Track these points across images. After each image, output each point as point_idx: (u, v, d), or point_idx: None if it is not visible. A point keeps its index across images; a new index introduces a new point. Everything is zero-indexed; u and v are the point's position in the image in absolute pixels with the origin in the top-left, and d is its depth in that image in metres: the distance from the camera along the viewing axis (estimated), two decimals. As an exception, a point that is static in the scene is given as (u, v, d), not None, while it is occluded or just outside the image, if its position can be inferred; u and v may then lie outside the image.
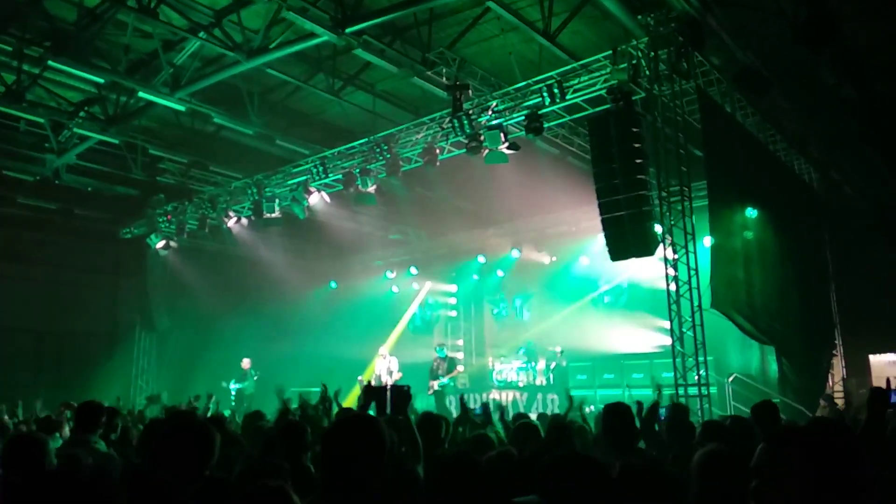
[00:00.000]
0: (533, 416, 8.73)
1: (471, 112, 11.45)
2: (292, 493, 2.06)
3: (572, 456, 2.70)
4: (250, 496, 2.08)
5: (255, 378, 15.35)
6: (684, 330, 9.57)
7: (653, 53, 9.89)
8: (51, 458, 3.54)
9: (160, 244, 16.64)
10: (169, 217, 16.27)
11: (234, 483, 3.02)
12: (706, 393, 9.50)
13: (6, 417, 8.57)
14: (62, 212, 16.64)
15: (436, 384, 14.67)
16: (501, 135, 11.24)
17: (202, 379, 15.39)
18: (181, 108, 11.79)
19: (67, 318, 17.08)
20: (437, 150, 12.34)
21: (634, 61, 9.96)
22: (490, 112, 11.46)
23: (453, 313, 20.99)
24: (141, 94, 11.34)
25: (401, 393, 3.56)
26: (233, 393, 15.08)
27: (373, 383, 15.52)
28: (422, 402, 13.06)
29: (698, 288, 9.65)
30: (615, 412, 4.48)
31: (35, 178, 14.66)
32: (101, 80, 11.44)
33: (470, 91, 11.19)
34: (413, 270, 20.33)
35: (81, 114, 12.37)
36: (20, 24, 10.39)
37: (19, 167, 14.29)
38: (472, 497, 2.87)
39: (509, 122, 11.44)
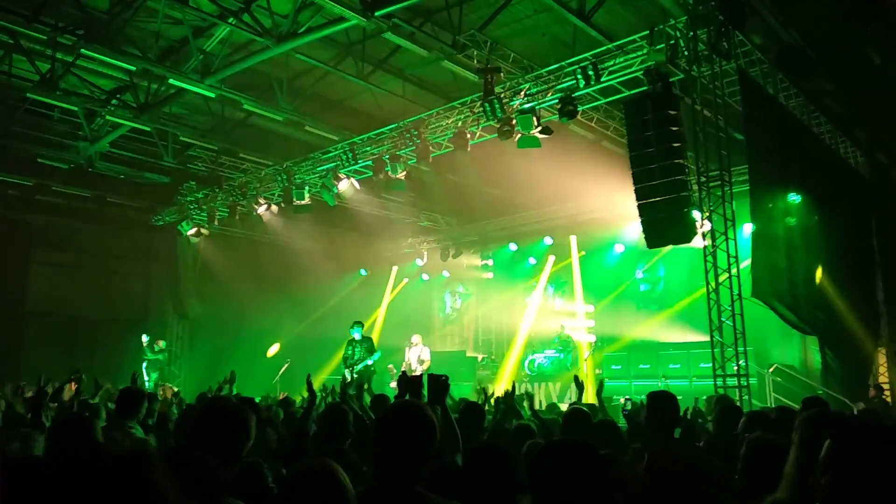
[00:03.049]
0: (563, 407, 8.60)
1: (502, 96, 11.20)
2: (341, 471, 2.07)
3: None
4: (299, 474, 2.08)
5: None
6: (723, 319, 9.31)
7: (692, 33, 9.55)
8: (98, 438, 3.56)
9: (191, 231, 16.74)
10: (200, 204, 16.35)
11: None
12: (745, 384, 9.25)
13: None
14: (96, 199, 16.83)
15: (347, 373, 12.30)
16: (534, 119, 10.98)
17: (233, 365, 15.45)
18: (211, 94, 11.75)
19: (101, 304, 17.30)
20: (468, 135, 12.13)
21: (672, 41, 9.63)
22: (522, 95, 11.21)
23: (484, 301, 20.79)
24: (171, 80, 11.32)
25: (438, 382, 3.44)
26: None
27: (403, 371, 15.52)
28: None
29: (738, 276, 9.37)
30: (660, 400, 4.34)
31: (69, 166, 14.87)
32: (132, 68, 11.43)
33: (502, 74, 10.92)
34: (443, 258, 20.20)
35: (113, 101, 12.44)
36: (53, 13, 10.43)
37: (54, 155, 14.52)
38: (502, 484, 2.84)
39: (542, 105, 11.16)
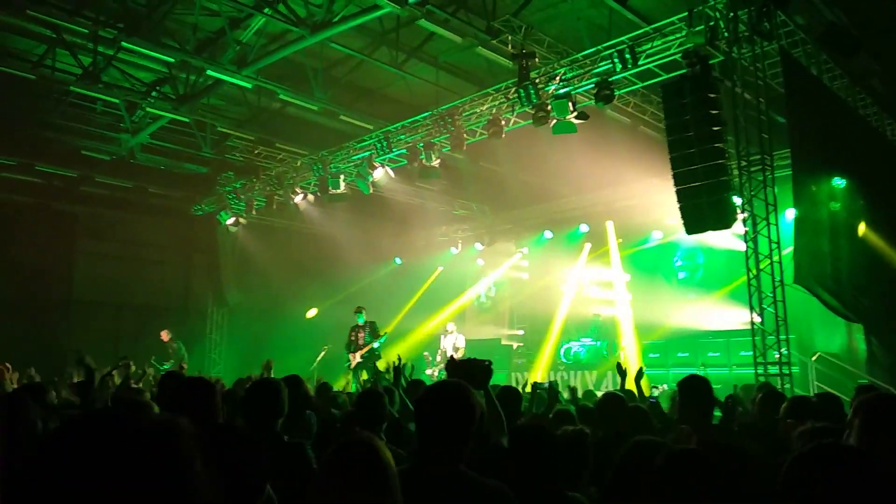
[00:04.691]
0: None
1: (537, 81, 11.10)
2: (383, 445, 2.06)
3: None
4: (340, 449, 2.06)
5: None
6: (765, 306, 9.12)
7: (732, 14, 9.31)
8: None
9: (230, 221, 17.00)
10: (238, 194, 16.58)
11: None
12: (787, 372, 9.06)
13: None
14: (137, 190, 17.20)
15: (357, 356, 13.21)
16: (570, 104, 10.86)
17: (271, 352, 15.71)
18: (248, 85, 11.91)
19: (144, 292, 17.70)
20: (503, 122, 12.05)
21: (712, 23, 9.40)
22: (558, 80, 11.08)
23: (519, 289, 20.72)
24: (209, 72, 11.50)
25: (482, 368, 3.45)
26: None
27: (437, 359, 15.58)
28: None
29: (780, 262, 9.17)
30: (691, 386, 4.26)
31: (111, 158, 15.20)
32: (171, 60, 11.66)
33: (536, 59, 10.80)
34: (478, 246, 20.18)
35: (153, 93, 12.67)
36: (95, 7, 10.64)
37: (97, 147, 14.89)
38: (544, 465, 2.83)
39: (578, 90, 11.03)
